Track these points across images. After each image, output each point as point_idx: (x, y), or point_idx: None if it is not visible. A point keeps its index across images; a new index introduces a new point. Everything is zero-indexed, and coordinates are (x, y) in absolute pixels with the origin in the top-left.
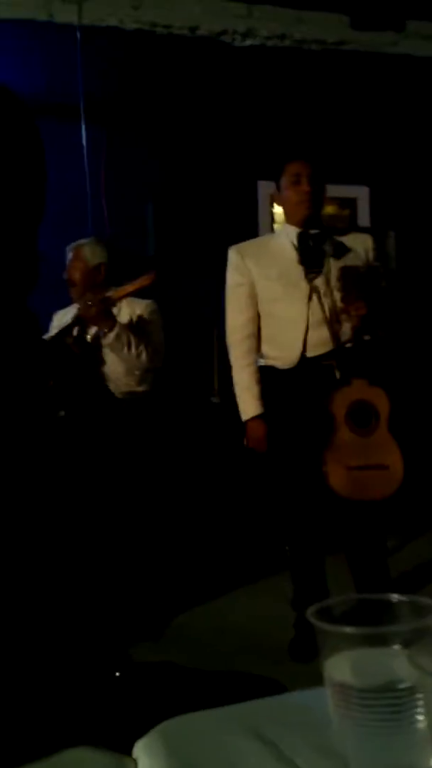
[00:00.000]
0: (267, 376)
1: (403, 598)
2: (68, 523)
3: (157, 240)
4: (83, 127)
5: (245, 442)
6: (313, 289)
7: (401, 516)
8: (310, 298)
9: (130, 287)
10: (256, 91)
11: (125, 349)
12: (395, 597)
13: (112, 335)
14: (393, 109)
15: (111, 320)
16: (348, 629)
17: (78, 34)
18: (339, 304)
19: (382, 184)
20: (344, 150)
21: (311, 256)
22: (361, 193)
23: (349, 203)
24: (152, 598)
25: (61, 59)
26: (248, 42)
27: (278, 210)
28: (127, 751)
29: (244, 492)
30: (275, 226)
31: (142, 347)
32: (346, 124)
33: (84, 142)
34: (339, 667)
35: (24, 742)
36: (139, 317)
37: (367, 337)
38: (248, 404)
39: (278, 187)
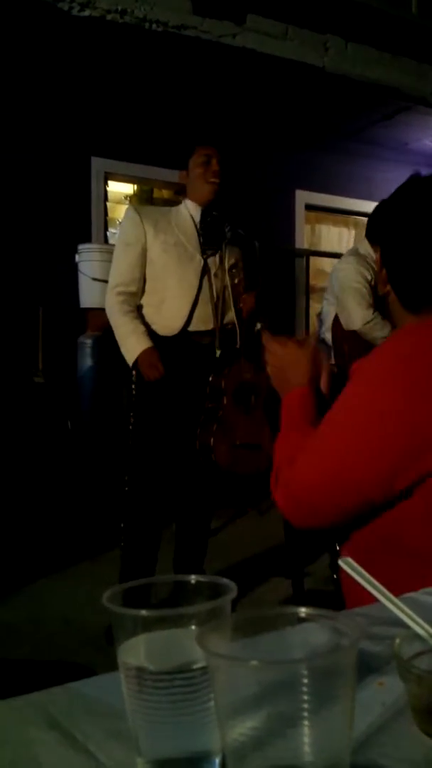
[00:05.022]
0: None
1: (201, 578)
2: None
3: None
4: None
5: (144, 375)
6: (206, 267)
7: (226, 499)
8: (202, 274)
9: None
10: (92, 63)
11: None
12: (193, 578)
13: None
14: (227, 100)
15: None
16: (143, 612)
17: None
18: (229, 287)
19: None
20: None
21: (211, 234)
22: None
23: None
24: None
25: None
26: (87, 12)
27: (113, 188)
28: None
29: (67, 473)
30: (108, 204)
31: None
32: (181, 110)
33: None
34: (134, 651)
35: None
36: None
37: (258, 327)
38: (136, 343)
39: (185, 167)
